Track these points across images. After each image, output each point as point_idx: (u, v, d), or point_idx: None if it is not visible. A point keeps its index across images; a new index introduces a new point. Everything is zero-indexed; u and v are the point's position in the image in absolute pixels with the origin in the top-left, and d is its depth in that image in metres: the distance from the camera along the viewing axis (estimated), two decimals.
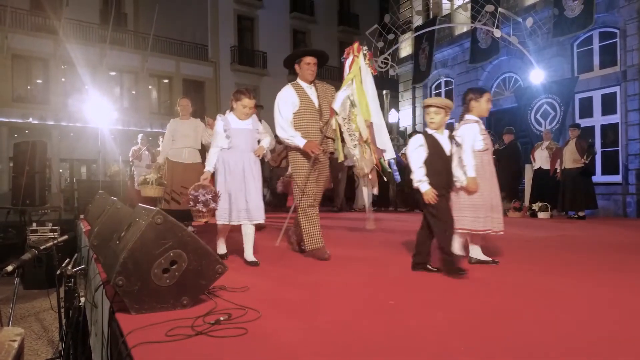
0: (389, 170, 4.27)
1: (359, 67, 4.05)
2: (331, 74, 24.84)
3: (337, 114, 3.88)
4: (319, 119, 3.98)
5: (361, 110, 3.95)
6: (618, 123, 10.59)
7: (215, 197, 3.48)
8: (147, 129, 17.54)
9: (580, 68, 11.37)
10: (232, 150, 3.64)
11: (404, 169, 10.61)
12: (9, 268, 2.62)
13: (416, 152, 3.27)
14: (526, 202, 9.40)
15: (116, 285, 2.11)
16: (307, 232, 3.92)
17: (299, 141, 3.83)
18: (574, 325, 2.14)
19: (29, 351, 4.56)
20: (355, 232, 6.12)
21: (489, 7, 10.84)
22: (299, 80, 4.02)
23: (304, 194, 3.91)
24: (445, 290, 2.85)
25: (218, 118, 3.75)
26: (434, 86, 16.66)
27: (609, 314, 2.34)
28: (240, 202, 3.57)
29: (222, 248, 3.89)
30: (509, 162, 9.49)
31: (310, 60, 3.94)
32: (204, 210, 3.43)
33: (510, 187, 9.76)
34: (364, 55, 4.14)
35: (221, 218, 3.60)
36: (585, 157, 8.07)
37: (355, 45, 4.16)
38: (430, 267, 3.30)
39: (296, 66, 4.00)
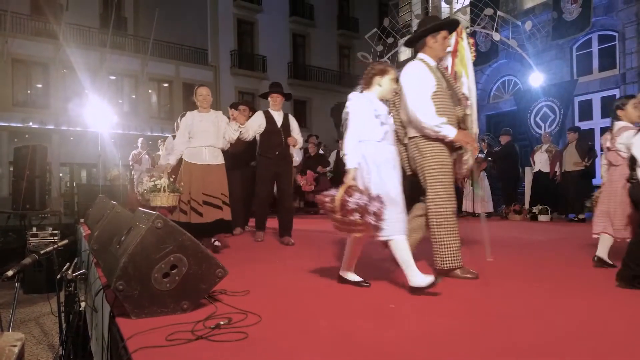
0: None
1: (464, 50, 3.48)
2: (330, 78, 24.93)
3: (467, 99, 3.26)
4: (453, 106, 3.21)
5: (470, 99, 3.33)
6: None
7: (382, 206, 2.63)
8: (147, 133, 17.56)
9: (579, 71, 11.41)
10: (383, 142, 2.83)
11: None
12: (9, 273, 2.62)
13: None
14: (526, 205, 9.40)
15: (116, 289, 2.11)
16: (449, 246, 3.12)
17: (449, 131, 2.99)
18: (573, 328, 2.13)
19: (29, 356, 4.55)
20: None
21: (488, 11, 10.87)
22: (425, 57, 3.22)
23: (449, 196, 3.12)
24: (447, 295, 2.85)
25: (356, 97, 2.89)
26: None
27: (609, 317, 2.34)
28: (402, 210, 2.82)
29: (353, 274, 3.07)
30: (505, 163, 9.51)
31: (446, 34, 3.25)
32: (374, 222, 2.57)
33: (508, 189, 9.77)
34: (467, 37, 3.57)
35: (396, 230, 2.74)
36: (586, 159, 8.10)
37: (459, 27, 3.50)
38: None
39: (430, 39, 3.21)
